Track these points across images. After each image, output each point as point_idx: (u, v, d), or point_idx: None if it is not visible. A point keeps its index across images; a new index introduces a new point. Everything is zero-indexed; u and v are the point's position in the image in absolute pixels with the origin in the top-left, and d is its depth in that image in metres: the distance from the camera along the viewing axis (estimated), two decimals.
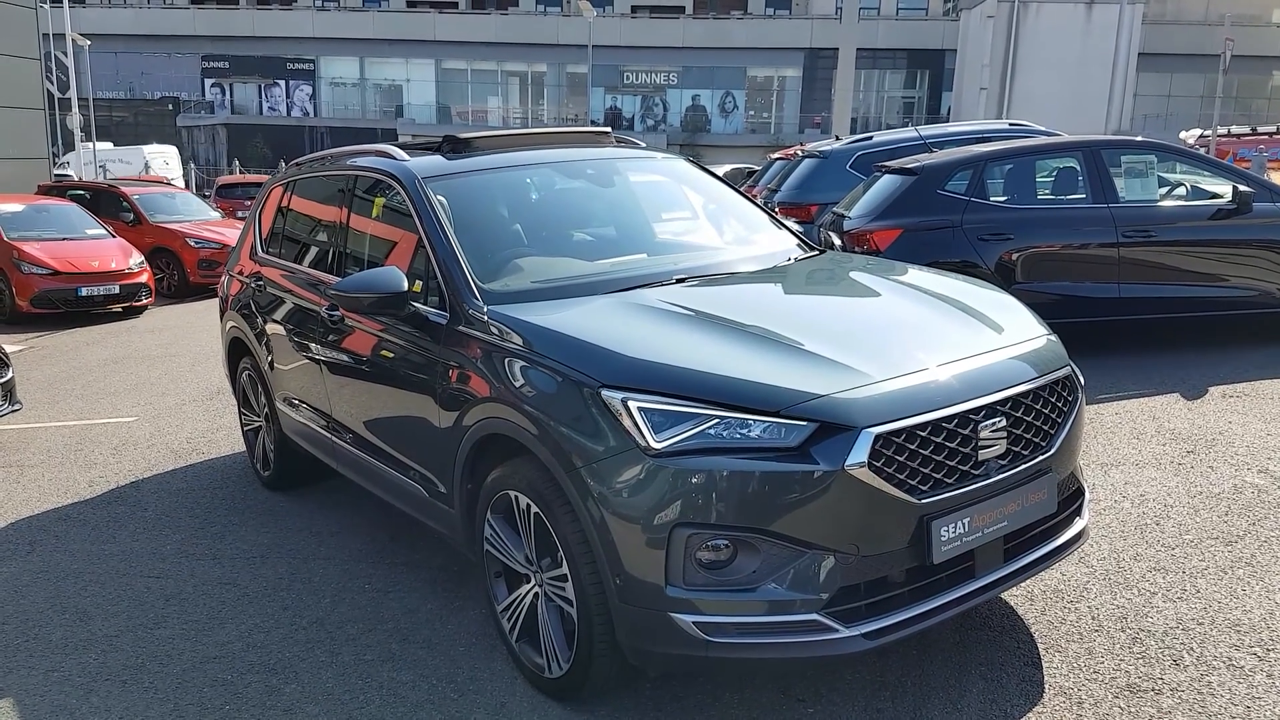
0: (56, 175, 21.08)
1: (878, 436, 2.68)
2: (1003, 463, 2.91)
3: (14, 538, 5.16)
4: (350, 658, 3.68)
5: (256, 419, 5.73)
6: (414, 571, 4.40)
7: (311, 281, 4.71)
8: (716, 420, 2.72)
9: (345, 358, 4.31)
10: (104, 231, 14.03)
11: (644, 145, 4.98)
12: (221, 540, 4.94)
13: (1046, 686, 3.22)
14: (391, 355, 3.92)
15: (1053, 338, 3.39)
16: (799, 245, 4.31)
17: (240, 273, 5.74)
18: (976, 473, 2.85)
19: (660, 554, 2.70)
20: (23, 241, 12.93)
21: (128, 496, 5.72)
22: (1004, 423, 2.89)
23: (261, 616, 4.07)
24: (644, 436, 2.73)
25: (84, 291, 12.75)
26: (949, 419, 2.80)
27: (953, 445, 2.80)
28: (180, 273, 15.06)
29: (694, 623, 2.69)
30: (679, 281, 3.67)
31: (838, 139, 10.76)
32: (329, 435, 4.61)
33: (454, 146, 4.41)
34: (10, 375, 6.98)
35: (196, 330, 11.92)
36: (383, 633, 3.85)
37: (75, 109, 29.49)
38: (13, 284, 12.57)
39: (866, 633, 2.69)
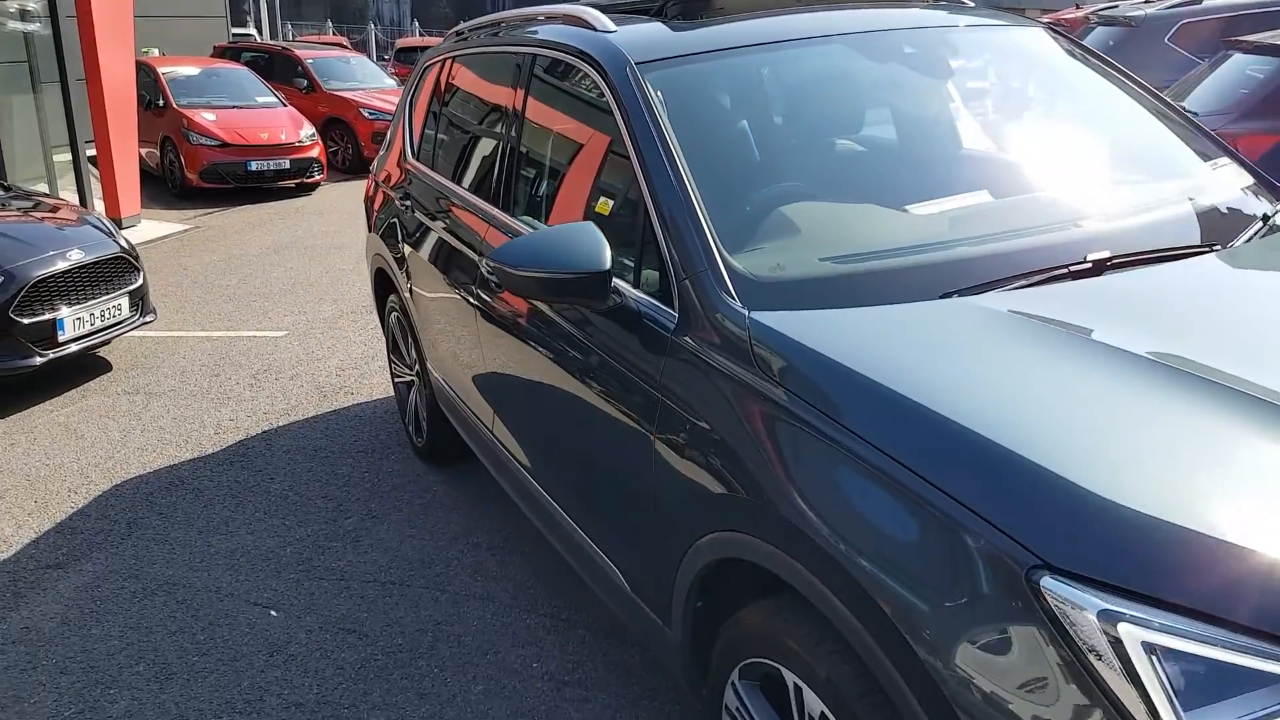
0: (235, 35, 20.46)
1: None
2: None
3: (114, 509, 4.14)
4: None
5: (408, 372, 4.48)
6: (607, 644, 3.07)
7: (472, 212, 3.30)
8: None
9: (511, 345, 2.90)
10: (275, 99, 13.12)
11: (972, 3, 3.24)
12: (355, 545, 3.75)
13: None
14: (580, 361, 2.49)
15: None
16: (1266, 193, 2.55)
17: (386, 181, 4.40)
18: None
19: None
20: (192, 110, 12.15)
21: (255, 455, 4.62)
22: None
23: (388, 710, 2.83)
24: (1158, 712, 1.21)
25: (253, 166, 11.92)
26: None
27: None
28: (354, 146, 14.11)
29: None
30: (1099, 269, 2.04)
31: (1148, 1, 8.38)
32: (492, 440, 3.27)
33: (685, 8, 2.83)
34: (141, 282, 6.00)
35: None
36: None
37: None
38: (182, 155, 11.84)
39: None
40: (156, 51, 14.67)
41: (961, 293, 1.97)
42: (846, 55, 2.75)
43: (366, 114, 13.96)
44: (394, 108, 13.68)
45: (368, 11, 48.05)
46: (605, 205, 2.75)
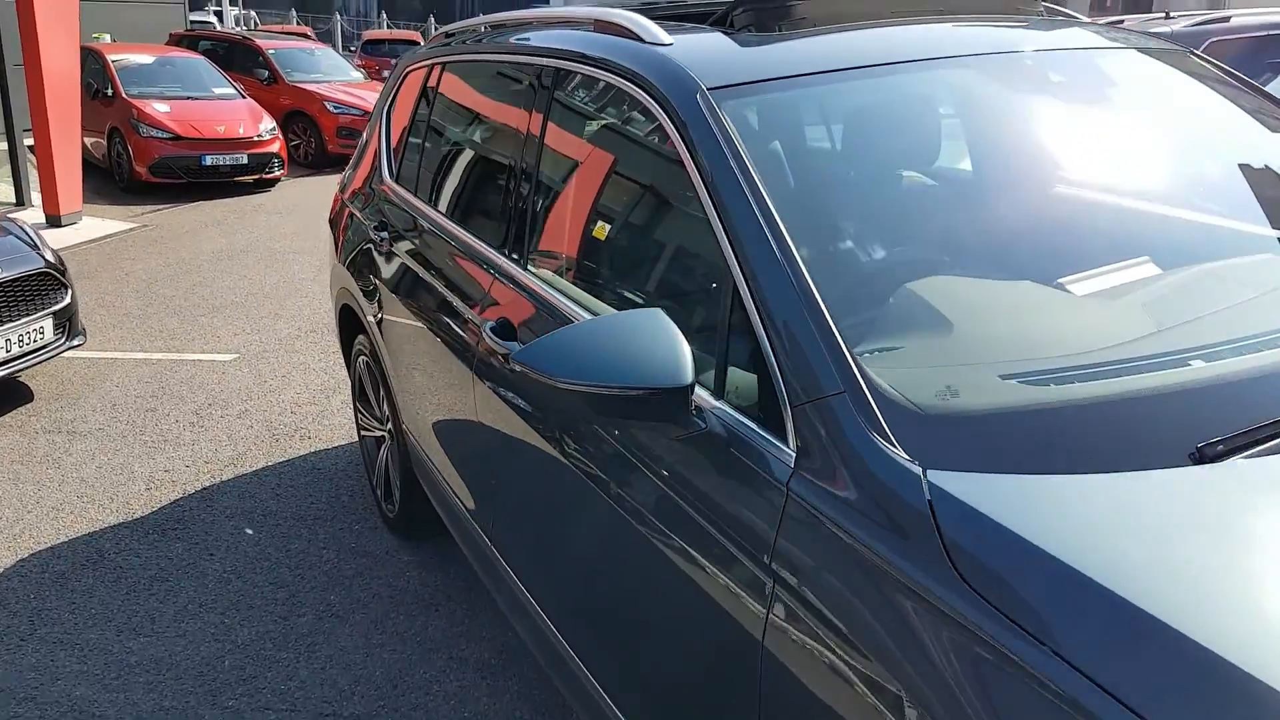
0: (194, 22, 19.47)
1: None
2: None
3: (17, 595, 3.40)
4: None
5: (378, 427, 3.78)
6: None
7: (472, 259, 2.62)
8: None
9: (523, 437, 2.21)
10: (233, 91, 12.30)
11: (1084, 18, 2.62)
12: (310, 656, 3.04)
13: None
14: (634, 489, 1.81)
15: None
16: None
17: (356, 199, 3.70)
18: None
19: None
20: (142, 100, 11.30)
21: (193, 520, 3.89)
22: None
23: None
24: None
25: (208, 160, 11.11)
26: None
27: None
28: (318, 140, 13.32)
29: None
30: None
31: (1168, 16, 7.83)
32: (489, 549, 2.58)
33: (759, 16, 2.16)
34: (68, 301, 5.22)
35: None
36: None
37: None
38: (131, 147, 10.99)
39: None
40: (108, 37, 13.75)
41: (1227, 448, 1.33)
42: (976, 82, 2.10)
43: (331, 107, 13.21)
44: (360, 101, 13.16)
45: (334, 1, 46.86)
46: (602, 230, 2.11)
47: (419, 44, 21.12)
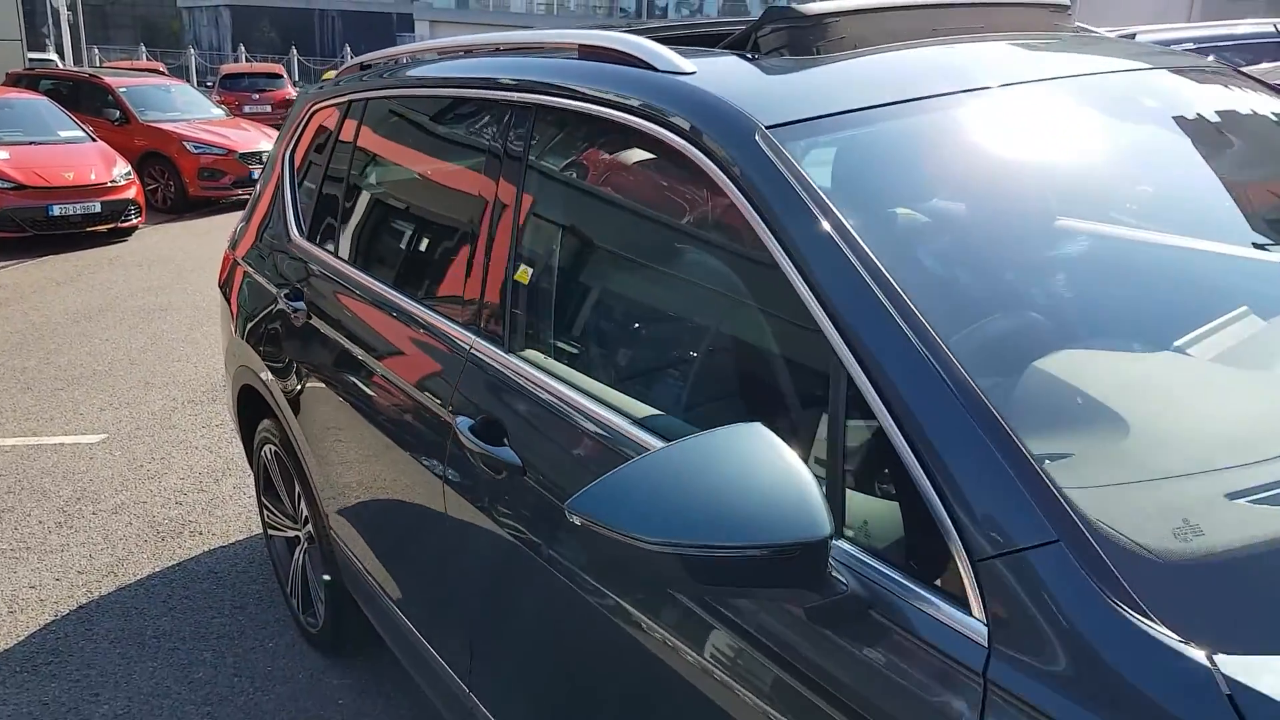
0: (33, 60, 18.11)
1: None
2: None
3: None
4: None
5: (292, 526, 3.22)
6: None
7: (427, 335, 2.13)
8: None
9: (534, 578, 1.73)
10: (82, 134, 11.34)
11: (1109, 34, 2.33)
12: None
13: None
14: (724, 661, 1.35)
15: None
16: None
17: (252, 258, 3.15)
18: None
19: None
20: None
21: (70, 650, 3.24)
22: None
23: None
24: None
25: (56, 210, 10.15)
26: None
27: None
28: (177, 183, 12.41)
29: None
30: None
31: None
32: (471, 702, 2.07)
33: (793, 37, 1.75)
34: None
35: (198, 263, 9.36)
36: None
37: None
38: None
39: None
40: None
41: None
42: (1055, 110, 1.75)
43: (191, 148, 12.34)
44: (223, 140, 12.33)
45: (184, 36, 44.95)
46: (525, 274, 1.69)
47: (282, 76, 20.24)
